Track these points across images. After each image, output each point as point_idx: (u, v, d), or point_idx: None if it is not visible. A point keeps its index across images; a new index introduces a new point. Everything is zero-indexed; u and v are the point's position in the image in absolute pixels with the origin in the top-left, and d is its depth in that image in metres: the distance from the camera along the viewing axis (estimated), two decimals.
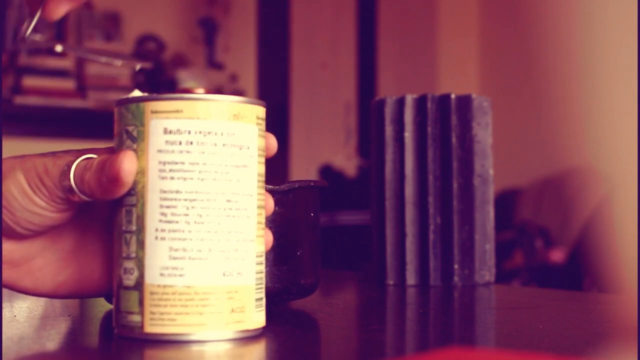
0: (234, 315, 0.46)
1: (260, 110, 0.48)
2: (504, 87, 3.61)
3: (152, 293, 0.46)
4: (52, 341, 0.50)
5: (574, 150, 0.31)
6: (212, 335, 0.46)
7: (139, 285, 0.46)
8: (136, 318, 0.46)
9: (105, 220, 0.52)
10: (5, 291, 0.77)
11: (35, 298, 0.76)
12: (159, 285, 0.45)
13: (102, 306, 0.63)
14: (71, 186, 0.47)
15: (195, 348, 0.45)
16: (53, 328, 0.54)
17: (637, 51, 0.30)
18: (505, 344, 0.47)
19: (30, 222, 0.49)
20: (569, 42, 0.31)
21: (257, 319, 0.48)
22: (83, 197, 0.47)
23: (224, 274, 0.46)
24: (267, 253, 0.59)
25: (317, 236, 0.63)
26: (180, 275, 0.45)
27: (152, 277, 0.46)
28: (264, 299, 0.49)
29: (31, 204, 0.48)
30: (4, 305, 0.64)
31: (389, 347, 0.47)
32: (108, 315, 0.59)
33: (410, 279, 0.80)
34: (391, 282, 0.80)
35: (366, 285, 0.84)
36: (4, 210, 0.48)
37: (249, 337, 0.47)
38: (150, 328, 0.46)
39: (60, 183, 0.48)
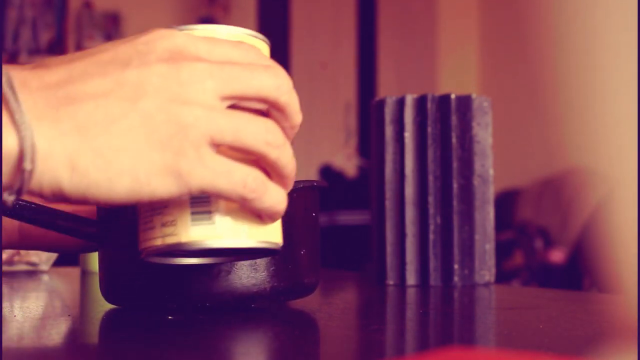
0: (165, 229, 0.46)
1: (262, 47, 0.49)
2: (504, 87, 3.61)
3: None
4: (52, 341, 0.50)
5: (574, 150, 0.31)
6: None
7: None
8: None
9: None
10: (5, 291, 0.77)
11: (35, 297, 0.76)
12: None
13: (102, 306, 0.63)
14: None
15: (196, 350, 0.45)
16: (53, 328, 0.54)
17: (637, 51, 0.30)
18: (505, 344, 0.47)
19: None
20: (569, 42, 0.31)
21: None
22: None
23: None
24: None
25: (318, 236, 0.63)
26: None
27: None
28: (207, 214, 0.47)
29: None
30: (4, 305, 0.64)
31: (389, 347, 0.47)
32: (108, 315, 0.59)
33: (410, 279, 0.80)
34: (391, 282, 0.80)
35: (366, 285, 0.84)
36: None
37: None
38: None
39: None
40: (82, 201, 0.41)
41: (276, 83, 0.45)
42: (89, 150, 0.40)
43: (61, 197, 0.41)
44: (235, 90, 0.44)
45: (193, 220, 0.45)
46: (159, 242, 0.46)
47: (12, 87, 0.39)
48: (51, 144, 0.39)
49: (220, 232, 0.45)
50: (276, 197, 0.45)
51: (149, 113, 0.41)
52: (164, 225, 0.45)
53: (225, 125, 0.43)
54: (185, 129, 0.41)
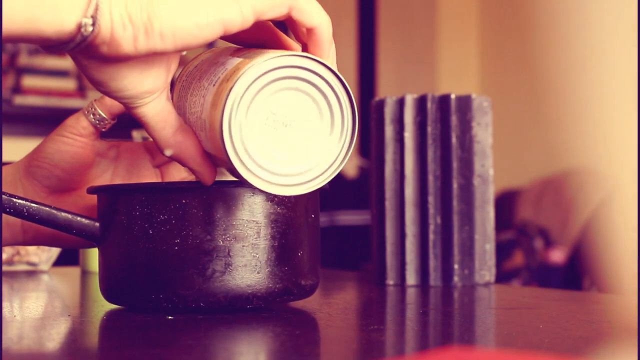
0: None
1: None
2: (504, 87, 3.61)
3: None
4: (52, 341, 0.50)
5: (574, 150, 0.31)
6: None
7: None
8: None
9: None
10: (5, 291, 0.77)
11: (35, 297, 0.76)
12: None
13: (102, 306, 0.63)
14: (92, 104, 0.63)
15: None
16: (53, 328, 0.54)
17: (637, 51, 0.30)
18: (505, 344, 0.47)
19: (63, 161, 0.62)
20: (569, 42, 0.31)
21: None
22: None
23: None
24: (268, 253, 0.58)
25: (318, 237, 0.63)
26: None
27: None
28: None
29: (60, 143, 0.62)
30: (4, 305, 0.64)
31: (389, 347, 0.47)
32: (108, 315, 0.59)
33: (410, 279, 0.80)
34: (391, 282, 0.80)
35: (366, 285, 0.84)
36: (44, 166, 0.63)
37: None
38: None
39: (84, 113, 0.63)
40: (149, 30, 0.46)
41: None
42: None
43: (129, 26, 0.46)
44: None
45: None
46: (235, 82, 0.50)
47: None
48: None
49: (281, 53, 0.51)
50: (320, 9, 0.52)
51: None
52: (231, 76, 0.51)
53: None
54: None
